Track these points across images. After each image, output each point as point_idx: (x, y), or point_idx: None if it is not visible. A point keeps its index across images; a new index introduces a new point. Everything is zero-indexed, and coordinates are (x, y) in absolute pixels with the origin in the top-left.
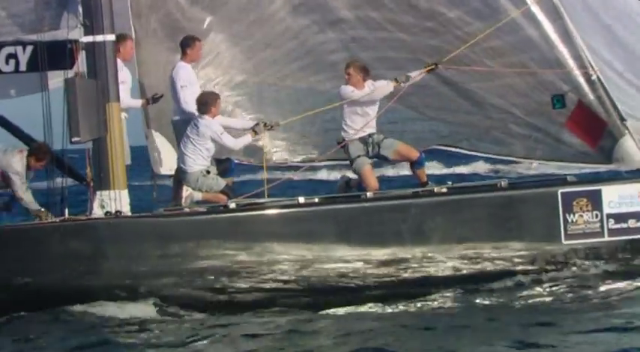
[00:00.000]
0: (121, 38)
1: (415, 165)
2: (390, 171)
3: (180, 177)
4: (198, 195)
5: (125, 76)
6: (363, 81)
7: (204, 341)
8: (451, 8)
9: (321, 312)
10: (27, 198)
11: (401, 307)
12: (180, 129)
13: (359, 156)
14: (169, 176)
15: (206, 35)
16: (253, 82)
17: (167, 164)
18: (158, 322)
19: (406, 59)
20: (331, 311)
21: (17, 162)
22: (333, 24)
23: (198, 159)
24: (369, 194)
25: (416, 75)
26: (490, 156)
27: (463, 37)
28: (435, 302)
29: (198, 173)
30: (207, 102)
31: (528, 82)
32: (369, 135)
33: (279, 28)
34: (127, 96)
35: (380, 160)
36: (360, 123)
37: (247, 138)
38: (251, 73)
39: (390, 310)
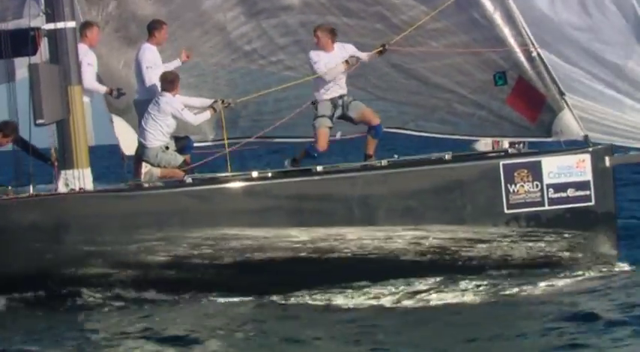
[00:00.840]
0: (88, 25)
1: (372, 131)
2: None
3: (139, 152)
4: (157, 171)
5: (92, 60)
6: (332, 43)
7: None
8: None
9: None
10: None
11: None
12: (142, 108)
13: (323, 116)
14: None
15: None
16: (208, 64)
17: (132, 145)
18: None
19: (354, 43)
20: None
21: None
22: (283, 9)
23: (159, 135)
24: (318, 168)
25: (364, 56)
26: (436, 135)
27: (408, 21)
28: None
29: (157, 148)
30: (171, 80)
31: (471, 61)
32: (340, 97)
33: (231, 14)
34: (92, 79)
35: (345, 121)
36: (329, 85)
37: (206, 115)
38: (207, 55)
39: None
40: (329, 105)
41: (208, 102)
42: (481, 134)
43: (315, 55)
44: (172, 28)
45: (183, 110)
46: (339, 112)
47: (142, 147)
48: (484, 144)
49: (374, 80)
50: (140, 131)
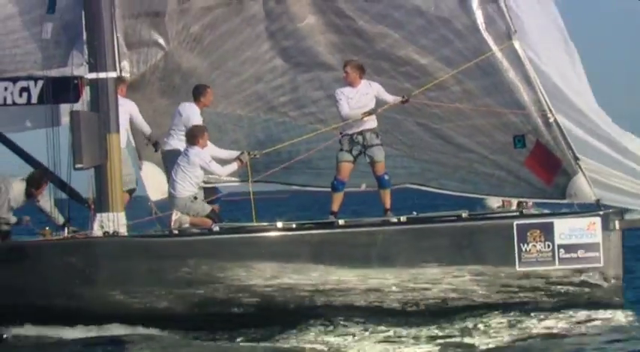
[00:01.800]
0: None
1: (378, 181)
2: None
3: (169, 202)
4: (187, 219)
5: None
6: (360, 79)
7: None
8: (424, 56)
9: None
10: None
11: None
12: (172, 159)
13: (342, 150)
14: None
15: (203, 73)
16: (244, 111)
17: (159, 190)
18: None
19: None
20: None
21: (16, 190)
22: (318, 65)
23: (187, 186)
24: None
25: (390, 99)
26: (456, 194)
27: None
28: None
29: (186, 198)
30: (196, 135)
31: (493, 123)
32: (360, 133)
33: (269, 66)
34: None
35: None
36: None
37: (233, 166)
38: (242, 103)
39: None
40: (348, 141)
41: (235, 153)
42: (499, 194)
43: (339, 94)
44: (212, 76)
45: (211, 162)
46: (357, 148)
47: (171, 197)
48: (495, 200)
49: (400, 137)
50: (170, 182)
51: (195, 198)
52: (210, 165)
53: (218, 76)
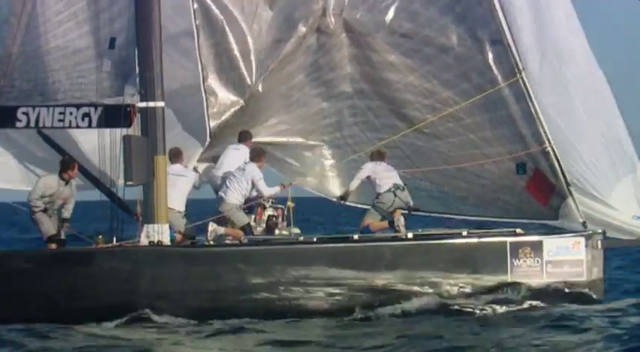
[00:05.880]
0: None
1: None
2: None
3: (218, 205)
4: (221, 230)
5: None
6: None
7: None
8: (446, 88)
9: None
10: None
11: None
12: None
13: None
14: None
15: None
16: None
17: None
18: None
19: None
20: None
21: (47, 180)
22: (357, 92)
23: (237, 195)
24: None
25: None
26: (471, 218)
27: (452, 113)
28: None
29: (233, 204)
30: (260, 154)
31: (500, 153)
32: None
33: (314, 92)
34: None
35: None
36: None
37: (276, 189)
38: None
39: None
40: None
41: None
42: (505, 216)
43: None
44: (264, 100)
45: (261, 180)
46: None
47: (221, 201)
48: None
49: (418, 164)
50: (223, 188)
51: (241, 207)
52: (259, 182)
53: (269, 100)
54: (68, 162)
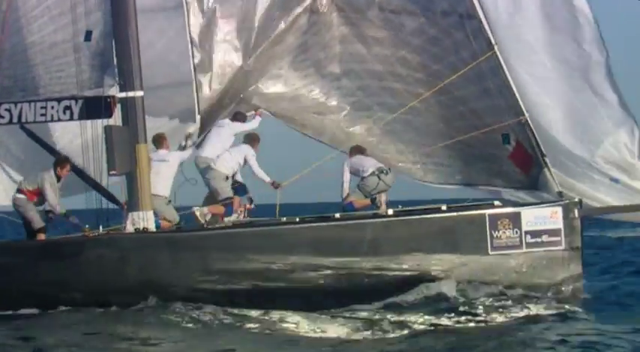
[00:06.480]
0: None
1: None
2: None
3: (206, 173)
4: (205, 209)
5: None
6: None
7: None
8: (435, 62)
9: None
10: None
11: None
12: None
13: None
14: None
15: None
16: None
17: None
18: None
19: (399, 104)
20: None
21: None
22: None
23: (227, 164)
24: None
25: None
26: (461, 187)
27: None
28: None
29: (222, 174)
30: (254, 139)
31: (487, 124)
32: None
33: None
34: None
35: None
36: None
37: (267, 178)
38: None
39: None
40: None
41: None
42: (492, 184)
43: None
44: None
45: (254, 157)
46: None
47: (210, 170)
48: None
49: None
50: (213, 159)
51: (227, 178)
52: (252, 160)
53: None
54: (63, 161)
